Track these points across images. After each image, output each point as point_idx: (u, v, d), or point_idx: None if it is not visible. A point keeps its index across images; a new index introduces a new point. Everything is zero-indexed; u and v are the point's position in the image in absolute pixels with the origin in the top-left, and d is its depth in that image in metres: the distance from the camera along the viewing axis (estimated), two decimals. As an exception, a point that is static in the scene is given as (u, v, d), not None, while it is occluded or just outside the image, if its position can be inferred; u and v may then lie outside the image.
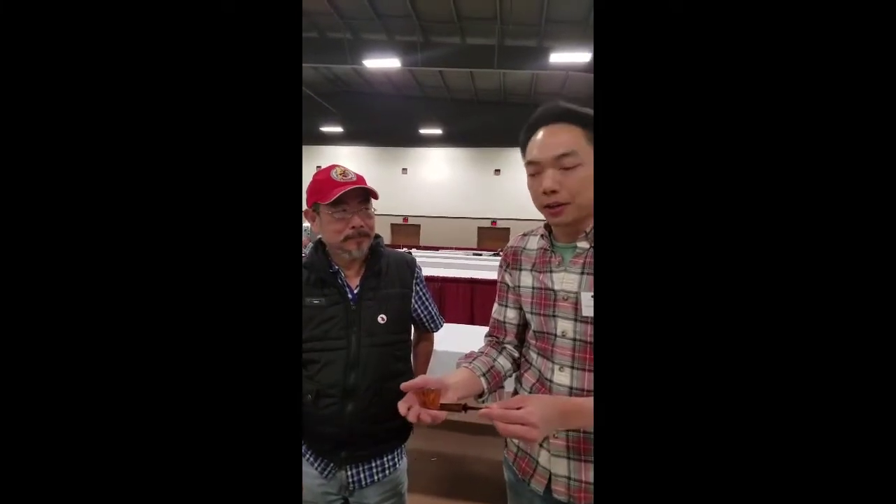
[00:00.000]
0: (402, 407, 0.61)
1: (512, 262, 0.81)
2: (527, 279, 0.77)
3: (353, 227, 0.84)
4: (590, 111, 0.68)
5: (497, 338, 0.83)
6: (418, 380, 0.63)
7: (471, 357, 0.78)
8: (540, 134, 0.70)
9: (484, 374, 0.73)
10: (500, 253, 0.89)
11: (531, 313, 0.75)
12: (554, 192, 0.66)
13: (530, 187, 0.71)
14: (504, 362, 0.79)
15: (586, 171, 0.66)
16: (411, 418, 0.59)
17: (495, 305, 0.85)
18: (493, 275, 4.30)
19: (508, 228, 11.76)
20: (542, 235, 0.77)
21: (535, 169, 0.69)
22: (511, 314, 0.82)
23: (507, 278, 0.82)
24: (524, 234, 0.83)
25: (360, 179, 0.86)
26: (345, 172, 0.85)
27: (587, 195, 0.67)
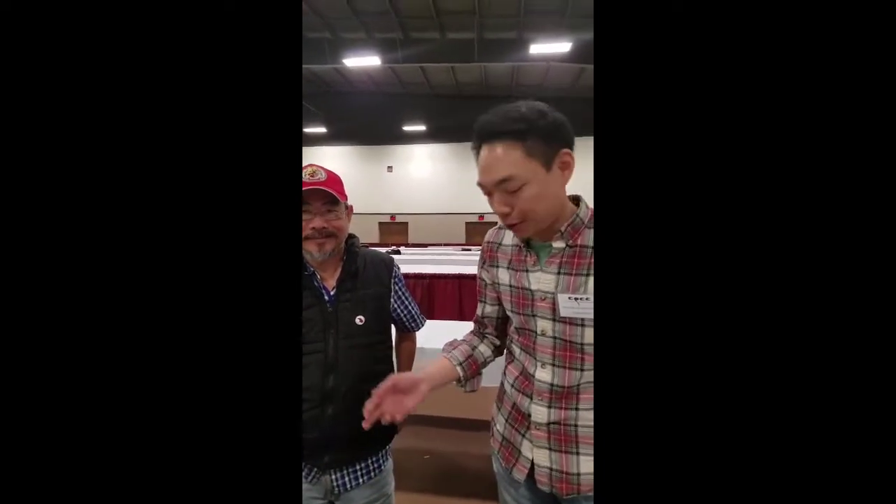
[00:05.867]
0: (368, 406, 0.65)
1: (489, 259, 0.80)
2: (504, 276, 0.75)
3: (314, 228, 0.82)
4: (521, 124, 0.62)
5: (480, 329, 0.85)
6: (388, 382, 0.66)
7: (452, 346, 0.81)
8: (482, 153, 0.66)
9: (461, 363, 0.78)
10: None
11: (511, 311, 0.75)
12: (506, 214, 0.65)
13: (489, 203, 0.69)
14: (485, 349, 0.82)
15: (531, 190, 0.63)
16: (385, 419, 0.64)
17: (478, 300, 0.85)
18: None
19: (496, 223, 11.73)
20: None
21: (484, 190, 0.68)
22: (489, 310, 0.82)
23: (485, 275, 0.81)
24: (500, 228, 0.81)
25: (331, 182, 0.83)
26: (314, 173, 0.82)
27: (540, 210, 0.65)
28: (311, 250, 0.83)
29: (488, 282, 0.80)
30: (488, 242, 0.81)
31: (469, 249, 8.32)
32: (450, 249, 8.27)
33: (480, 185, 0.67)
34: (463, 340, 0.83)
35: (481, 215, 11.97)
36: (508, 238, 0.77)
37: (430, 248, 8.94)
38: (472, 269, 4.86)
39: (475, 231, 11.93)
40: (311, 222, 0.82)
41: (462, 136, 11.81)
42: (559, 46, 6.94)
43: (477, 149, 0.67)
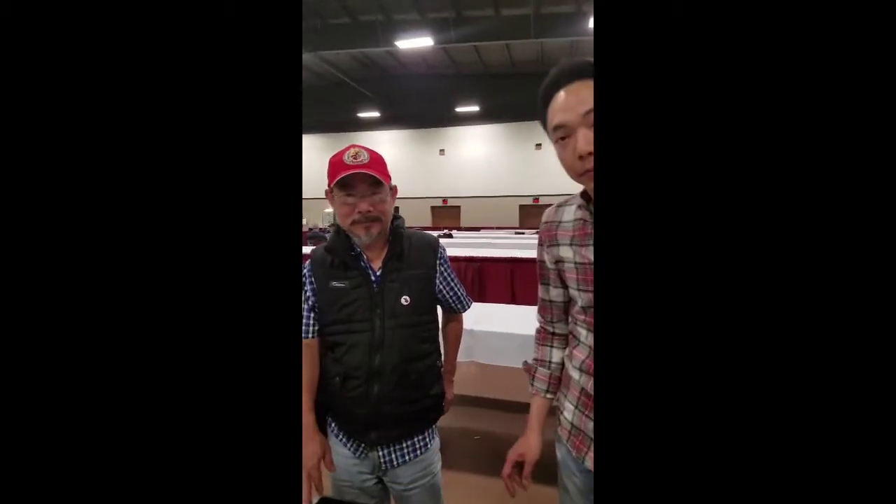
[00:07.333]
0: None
1: (548, 239, 0.75)
2: (567, 253, 0.71)
3: (360, 212, 0.82)
4: None
5: (545, 318, 0.82)
6: (510, 460, 0.78)
7: (530, 373, 0.84)
8: (560, 96, 0.62)
9: (547, 391, 0.82)
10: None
11: (578, 290, 0.70)
12: (591, 153, 0.58)
13: (562, 157, 0.63)
14: (558, 356, 0.81)
15: None
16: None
17: (539, 284, 0.82)
18: (534, 253, 4.20)
19: (551, 205, 11.37)
20: (578, 206, 0.71)
21: (563, 132, 0.61)
22: (554, 293, 0.78)
23: (546, 256, 0.77)
24: (558, 206, 0.76)
25: (374, 162, 0.82)
26: (357, 155, 0.81)
27: None
28: (358, 234, 0.84)
29: (550, 264, 0.76)
30: (547, 222, 0.77)
31: (522, 233, 8.16)
32: (502, 233, 8.18)
33: (561, 125, 0.61)
34: (536, 360, 0.83)
35: (536, 198, 11.64)
36: (569, 214, 0.73)
37: (482, 231, 8.89)
38: (525, 253, 4.81)
39: (529, 214, 11.63)
40: (357, 206, 0.82)
41: (517, 115, 11.43)
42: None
43: (548, 99, 0.64)
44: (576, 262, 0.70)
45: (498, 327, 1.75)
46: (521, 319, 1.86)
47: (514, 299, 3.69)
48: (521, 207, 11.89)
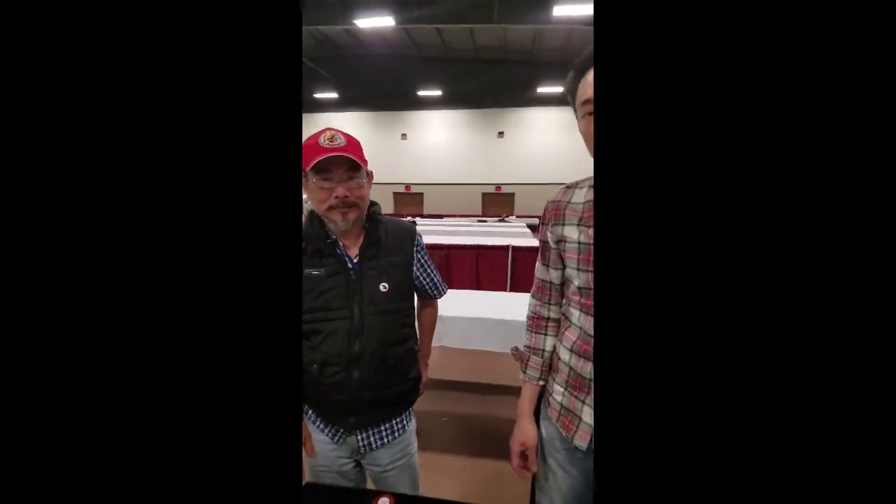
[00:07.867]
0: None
1: (554, 218, 0.75)
2: (572, 233, 0.72)
3: (337, 198, 0.81)
4: None
5: (541, 300, 0.82)
6: (515, 454, 0.82)
7: (523, 360, 0.84)
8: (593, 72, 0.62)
9: (539, 379, 0.83)
10: (504, 218, 0.86)
11: (577, 269, 0.71)
12: None
13: (587, 133, 0.64)
14: (551, 346, 0.81)
15: None
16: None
17: (538, 264, 0.82)
18: (496, 241, 4.31)
19: (513, 194, 11.59)
20: (591, 187, 0.71)
21: (593, 107, 0.61)
22: (554, 274, 0.79)
23: (549, 235, 0.77)
24: (568, 187, 0.77)
25: (351, 146, 0.81)
26: (333, 138, 0.80)
27: None
28: (335, 220, 0.83)
29: (552, 243, 0.77)
30: (555, 201, 0.77)
31: (485, 221, 8.27)
32: (466, 221, 8.24)
33: (590, 101, 0.63)
34: (529, 348, 0.83)
35: (498, 186, 11.79)
36: (579, 196, 0.74)
37: (445, 219, 8.91)
38: (489, 241, 4.88)
39: (492, 202, 11.78)
40: (334, 191, 0.81)
41: (480, 101, 11.42)
42: (583, 8, 6.54)
43: (581, 74, 0.65)
44: (579, 242, 0.71)
45: (465, 313, 1.80)
46: (486, 305, 1.92)
47: (479, 285, 3.77)
48: (484, 195, 12.00)
